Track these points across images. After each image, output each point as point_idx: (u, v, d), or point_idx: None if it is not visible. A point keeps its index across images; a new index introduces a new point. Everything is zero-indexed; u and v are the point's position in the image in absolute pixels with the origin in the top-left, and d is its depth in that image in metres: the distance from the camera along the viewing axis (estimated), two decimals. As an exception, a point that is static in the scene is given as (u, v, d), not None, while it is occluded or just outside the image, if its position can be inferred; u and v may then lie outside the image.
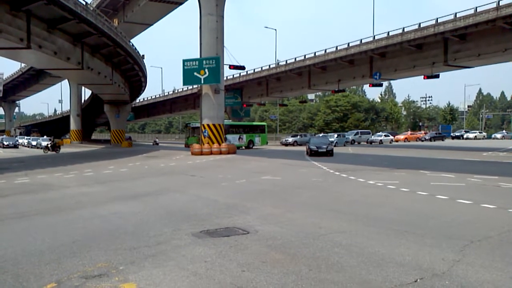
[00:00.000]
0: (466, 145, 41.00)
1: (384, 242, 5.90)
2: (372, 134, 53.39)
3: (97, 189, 12.45)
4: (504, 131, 77.85)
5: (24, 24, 23.71)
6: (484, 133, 68.54)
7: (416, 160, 22.66)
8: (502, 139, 62.46)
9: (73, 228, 7.14)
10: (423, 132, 63.06)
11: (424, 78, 32.24)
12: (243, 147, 40.23)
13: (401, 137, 55.03)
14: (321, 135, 48.61)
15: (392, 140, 50.23)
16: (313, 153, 26.09)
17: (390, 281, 4.41)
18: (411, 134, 58.32)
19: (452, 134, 68.24)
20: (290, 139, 49.22)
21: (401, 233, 6.44)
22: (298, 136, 50.33)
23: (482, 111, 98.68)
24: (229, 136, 37.60)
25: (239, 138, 40.48)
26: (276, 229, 6.76)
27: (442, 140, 53.68)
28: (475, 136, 62.83)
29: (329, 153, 26.04)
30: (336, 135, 46.97)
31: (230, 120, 48.55)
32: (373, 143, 48.21)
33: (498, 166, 19.22)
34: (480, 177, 13.92)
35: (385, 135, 51.46)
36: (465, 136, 62.75)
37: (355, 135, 50.36)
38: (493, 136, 68.57)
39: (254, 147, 41.74)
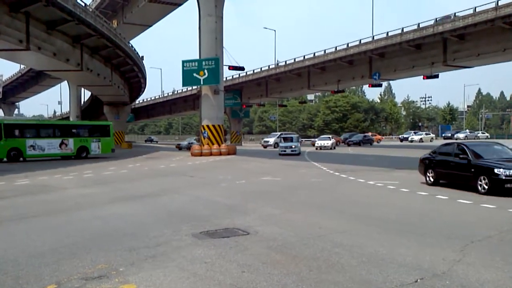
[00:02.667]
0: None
1: (385, 242, 5.89)
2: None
3: (97, 191, 12.43)
4: (467, 130, 70.84)
5: (23, 26, 23.74)
6: (433, 135, 61.82)
7: (416, 161, 22.60)
8: (464, 139, 55.57)
9: (73, 229, 7.12)
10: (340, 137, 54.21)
11: (423, 78, 32.33)
12: (72, 157, 27.76)
13: None
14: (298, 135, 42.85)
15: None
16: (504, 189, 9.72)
17: (390, 281, 4.40)
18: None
19: (400, 136, 63.22)
20: (187, 141, 44.68)
21: (402, 233, 6.43)
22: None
23: (482, 111, 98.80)
24: (41, 142, 26.41)
25: (61, 143, 27.45)
26: (276, 230, 6.75)
27: (370, 144, 47.79)
28: (421, 139, 55.20)
29: None
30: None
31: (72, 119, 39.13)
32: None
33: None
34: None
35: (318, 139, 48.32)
36: (409, 139, 56.30)
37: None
38: (455, 136, 60.78)
39: (90, 156, 29.01)
